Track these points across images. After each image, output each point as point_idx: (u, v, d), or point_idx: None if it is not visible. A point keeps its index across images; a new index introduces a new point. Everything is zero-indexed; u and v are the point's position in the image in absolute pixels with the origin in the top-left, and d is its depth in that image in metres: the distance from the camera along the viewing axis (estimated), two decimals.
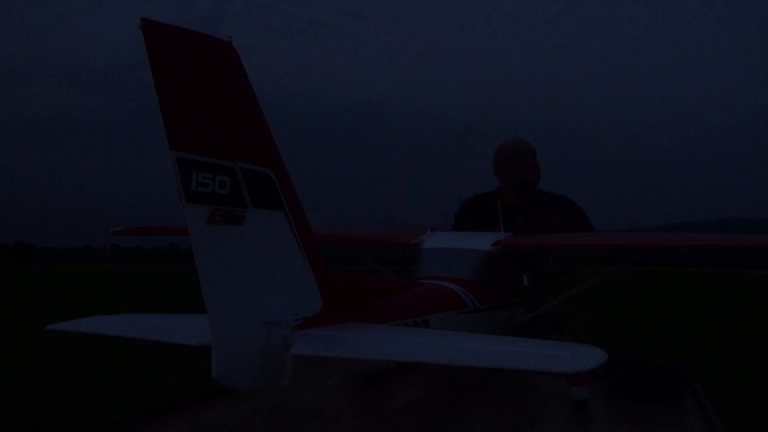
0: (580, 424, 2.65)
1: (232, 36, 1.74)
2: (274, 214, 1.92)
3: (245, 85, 1.82)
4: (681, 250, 2.98)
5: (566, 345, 1.87)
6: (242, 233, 1.83)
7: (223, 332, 1.80)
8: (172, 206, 1.82)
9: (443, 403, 2.94)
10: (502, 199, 4.25)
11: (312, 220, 2.06)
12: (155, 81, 1.62)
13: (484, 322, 2.93)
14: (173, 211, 1.85)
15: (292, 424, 2.63)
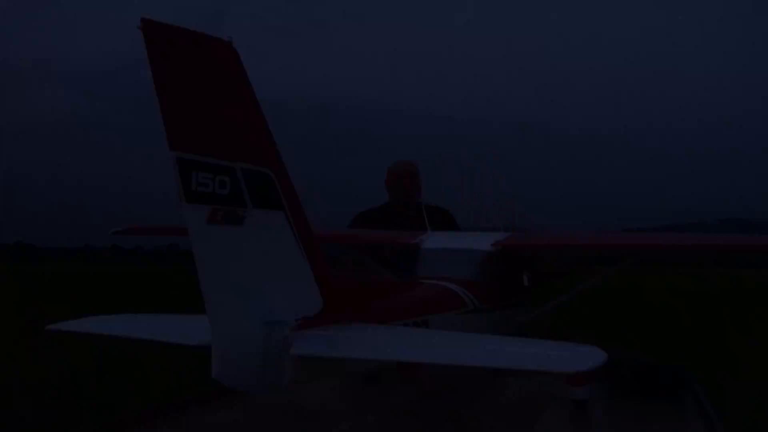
0: (580, 424, 2.65)
1: (232, 36, 1.74)
2: (274, 214, 1.91)
3: (245, 86, 1.81)
4: (681, 250, 2.98)
5: (566, 345, 1.86)
6: (242, 233, 1.82)
7: (223, 332, 1.80)
8: (172, 206, 1.82)
9: (443, 403, 2.94)
10: (403, 212, 4.60)
11: (312, 220, 2.05)
12: (155, 81, 1.61)
13: (484, 322, 2.92)
14: (173, 211, 1.85)
15: (292, 424, 2.63)
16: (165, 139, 1.66)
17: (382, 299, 2.39)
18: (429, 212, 4.55)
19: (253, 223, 1.84)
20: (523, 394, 3.07)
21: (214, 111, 1.75)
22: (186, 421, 2.65)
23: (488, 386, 3.17)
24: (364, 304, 2.24)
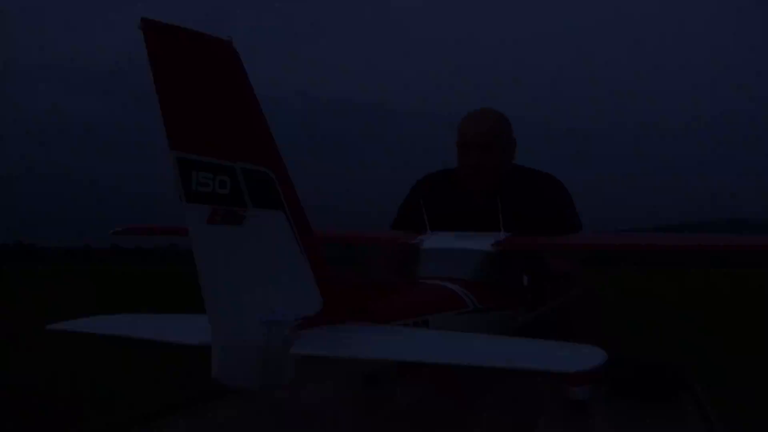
0: (580, 424, 2.66)
1: (232, 36, 1.74)
2: (274, 213, 1.92)
3: (245, 85, 1.82)
4: (681, 250, 2.99)
5: (566, 345, 1.87)
6: (242, 233, 1.83)
7: (222, 332, 1.80)
8: (172, 206, 1.82)
9: (443, 403, 2.94)
10: (471, 185, 3.86)
11: (312, 220, 2.06)
12: (155, 81, 1.62)
13: (484, 323, 2.92)
14: (173, 211, 1.85)
15: (292, 424, 2.63)
16: (165, 139, 1.66)
17: (381, 299, 2.39)
18: (524, 178, 3.83)
19: (253, 223, 1.85)
20: (523, 394, 3.08)
21: (214, 111, 1.75)
22: (186, 421, 2.66)
23: (487, 386, 3.18)
24: (364, 304, 2.24)
